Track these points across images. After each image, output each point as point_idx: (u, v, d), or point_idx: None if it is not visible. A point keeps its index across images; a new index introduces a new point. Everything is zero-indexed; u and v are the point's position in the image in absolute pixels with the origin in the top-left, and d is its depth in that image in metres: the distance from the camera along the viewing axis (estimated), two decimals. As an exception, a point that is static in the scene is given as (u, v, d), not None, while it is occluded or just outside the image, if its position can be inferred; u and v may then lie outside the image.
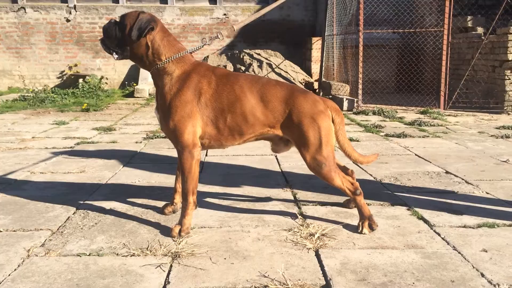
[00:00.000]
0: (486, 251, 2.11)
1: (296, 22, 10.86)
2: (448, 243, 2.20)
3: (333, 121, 2.39)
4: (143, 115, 7.00)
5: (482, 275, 1.88)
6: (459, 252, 2.10)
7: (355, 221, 2.47)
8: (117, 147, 4.59)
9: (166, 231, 2.38)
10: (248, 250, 2.14)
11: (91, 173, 3.56)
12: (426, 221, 2.49)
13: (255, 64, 9.38)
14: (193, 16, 10.73)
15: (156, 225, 2.47)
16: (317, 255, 2.07)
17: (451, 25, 6.91)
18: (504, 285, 1.79)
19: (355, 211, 2.61)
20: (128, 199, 2.91)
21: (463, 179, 3.36)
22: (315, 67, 9.69)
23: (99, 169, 3.69)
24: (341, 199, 2.86)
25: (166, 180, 3.37)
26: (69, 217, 2.60)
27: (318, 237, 2.27)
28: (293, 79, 9.22)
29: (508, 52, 6.87)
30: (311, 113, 2.33)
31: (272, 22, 10.78)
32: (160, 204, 2.80)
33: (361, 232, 2.32)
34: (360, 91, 7.17)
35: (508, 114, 6.95)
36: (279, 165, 3.82)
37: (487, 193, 3.03)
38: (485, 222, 2.47)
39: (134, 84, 10.24)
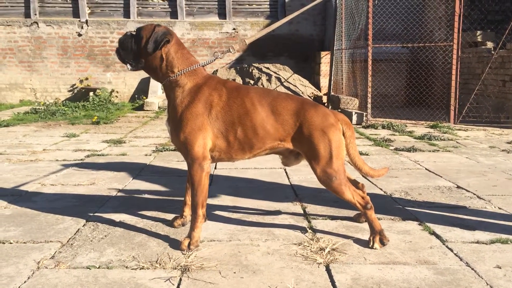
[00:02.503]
0: (500, 268, 2.07)
1: (304, 36, 10.92)
2: (461, 259, 2.17)
3: (343, 134, 2.39)
4: (153, 128, 7.03)
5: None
6: (473, 269, 2.06)
7: (365, 236, 2.45)
8: (127, 160, 4.61)
9: (175, 244, 2.37)
10: (258, 264, 2.12)
11: (101, 185, 3.57)
12: (438, 237, 2.46)
13: (264, 78, 9.43)
14: (203, 31, 10.83)
15: (165, 238, 2.47)
16: (328, 270, 2.05)
17: (460, 40, 6.91)
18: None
19: (365, 225, 2.59)
20: (137, 212, 2.91)
21: (474, 194, 3.32)
22: (323, 81, 9.71)
23: (109, 181, 3.70)
24: (351, 213, 2.84)
25: (175, 192, 3.37)
26: (79, 229, 2.60)
27: (329, 251, 2.25)
28: (302, 92, 9.24)
29: (519, 66, 6.84)
30: (322, 126, 2.32)
31: (281, 37, 10.84)
32: (169, 216, 2.80)
33: (372, 247, 2.29)
34: (369, 105, 7.16)
35: (519, 128, 6.88)
36: (288, 178, 3.81)
37: (500, 208, 2.99)
38: (499, 238, 2.43)
39: (144, 98, 10.32)
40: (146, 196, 3.30)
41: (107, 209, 2.98)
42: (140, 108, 9.69)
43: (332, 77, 8.75)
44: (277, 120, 2.35)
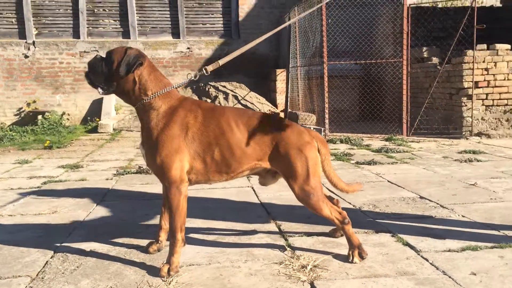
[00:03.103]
0: (475, 274, 2.16)
1: (260, 55, 11.05)
2: (437, 268, 2.24)
3: (319, 151, 2.42)
4: (110, 150, 6.84)
5: (475, 298, 1.91)
6: (450, 277, 2.14)
7: (343, 251, 2.48)
8: (88, 185, 4.45)
9: (153, 271, 2.31)
10: (242, 287, 2.10)
11: (64, 213, 3.42)
12: (412, 247, 2.53)
13: (221, 96, 9.44)
14: (157, 50, 10.74)
15: (142, 266, 2.39)
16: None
17: (409, 56, 7.23)
18: (499, 307, 1.84)
19: (342, 240, 2.63)
20: (108, 239, 2.81)
21: (438, 204, 3.45)
22: (280, 98, 9.84)
23: (72, 208, 3.56)
24: (326, 228, 2.87)
25: (145, 217, 3.28)
26: (47, 261, 2.47)
27: (311, 268, 2.26)
28: (259, 110, 9.32)
29: (463, 80, 7.23)
30: (298, 144, 2.36)
31: (237, 55, 10.91)
32: (142, 242, 2.72)
33: (352, 262, 2.33)
34: (327, 121, 7.32)
35: (467, 138, 7.25)
36: (257, 196, 3.81)
37: (463, 216, 3.12)
38: (468, 245, 2.53)
39: (97, 119, 10.04)
40: (115, 222, 3.20)
41: (75, 238, 2.85)
42: (94, 130, 9.42)
43: (289, 94, 8.89)
44: (253, 139, 2.35)
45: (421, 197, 3.66)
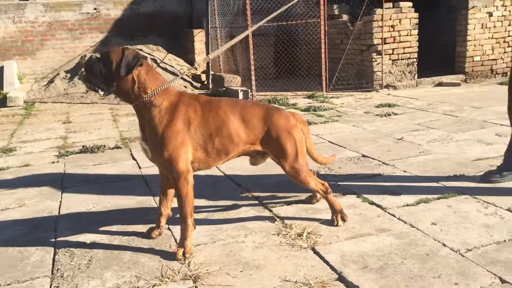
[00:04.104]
0: (435, 224, 2.68)
1: (171, 13, 10.84)
2: (405, 222, 2.73)
3: (302, 132, 2.74)
4: (34, 128, 6.52)
5: (444, 245, 2.42)
6: (418, 229, 2.63)
7: (325, 216, 2.88)
8: (36, 171, 4.35)
9: (166, 255, 2.51)
10: (256, 260, 2.41)
11: (35, 206, 3.41)
12: (378, 205, 3.01)
13: (138, 61, 9.21)
14: (60, 12, 10.04)
15: (152, 251, 2.58)
16: (316, 253, 2.43)
17: (326, 15, 7.68)
18: (462, 250, 2.36)
19: (318, 205, 3.04)
20: (100, 229, 2.92)
21: (380, 161, 3.99)
22: (199, 59, 9.84)
23: (39, 199, 3.53)
24: (298, 195, 3.24)
25: (122, 201, 3.39)
26: (54, 259, 2.55)
27: (306, 236, 2.62)
28: (180, 72, 9.30)
29: (373, 37, 7.89)
30: (287, 127, 2.65)
31: (147, 15, 10.61)
32: (137, 228, 2.88)
33: (336, 225, 2.73)
34: (253, 82, 7.62)
35: (377, 91, 8.03)
36: (219, 169, 4.06)
37: (405, 171, 3.69)
38: (420, 199, 3.06)
39: (2, 91, 9.30)
40: (93, 209, 3.28)
41: (65, 231, 2.92)
42: (2, 104, 8.75)
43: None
44: (247, 126, 2.60)
45: (363, 156, 4.18)
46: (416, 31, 8.14)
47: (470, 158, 3.90)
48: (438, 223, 2.69)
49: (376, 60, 8.01)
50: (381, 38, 7.91)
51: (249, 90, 7.70)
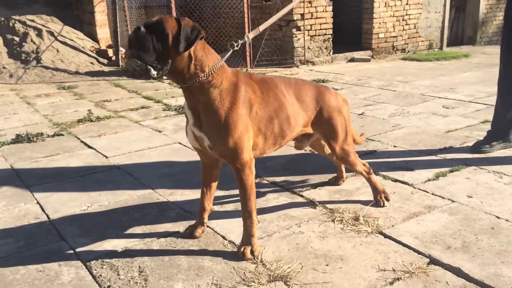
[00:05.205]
0: (471, 197, 2.75)
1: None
2: (443, 198, 2.75)
3: (345, 111, 2.59)
4: None
5: (497, 217, 2.49)
6: (460, 203, 2.66)
7: (361, 197, 2.79)
8: (-33, 167, 3.51)
9: (228, 255, 2.20)
10: (332, 250, 2.22)
11: (7, 212, 2.74)
12: (403, 182, 3.00)
13: (32, 33, 8.03)
14: None
15: (209, 253, 2.23)
16: (388, 237, 2.32)
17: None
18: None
19: (345, 186, 2.94)
20: (121, 233, 2.45)
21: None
22: (102, 32, 8.91)
23: (7, 203, 2.87)
24: (311, 177, 3.09)
25: (118, 198, 2.89)
26: (93, 275, 2.06)
27: (363, 220, 2.50)
28: (82, 47, 8.33)
29: (293, 13, 7.90)
30: (338, 107, 2.48)
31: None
32: (166, 227, 2.49)
33: (383, 206, 2.65)
34: (178, 58, 7.09)
35: (298, 66, 8.13)
36: (202, 153, 3.71)
37: (395, 146, 3.75)
38: (436, 173, 3.12)
39: None
40: (90, 210, 2.74)
41: (78, 239, 2.39)
42: None
43: (118, 28, 8.13)
44: (302, 107, 2.37)
45: (341, 132, 4.15)
46: (331, 8, 8.36)
47: (441, 130, 4.11)
48: (473, 195, 2.77)
49: (296, 36, 8.06)
50: (301, 14, 7.96)
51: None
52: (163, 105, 5.44)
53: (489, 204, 2.65)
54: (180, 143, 3.97)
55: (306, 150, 3.60)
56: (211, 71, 2.04)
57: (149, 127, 4.53)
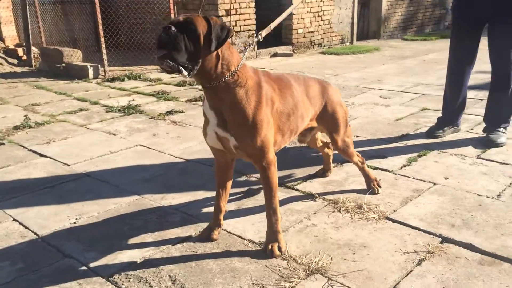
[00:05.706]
0: (448, 178, 3.00)
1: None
2: (425, 181, 2.96)
3: (339, 103, 2.68)
4: None
5: (478, 195, 2.74)
6: (442, 185, 2.89)
7: (353, 186, 2.90)
8: None
9: (255, 254, 2.18)
10: (353, 239, 2.28)
11: (-23, 234, 2.42)
12: (383, 169, 3.17)
13: None
14: None
15: (235, 254, 2.18)
16: (397, 222, 2.44)
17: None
18: (494, 196, 2.72)
19: (334, 177, 3.04)
20: (131, 243, 2.30)
21: (322, 129, 4.14)
22: (7, 30, 8.09)
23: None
24: (295, 171, 3.15)
25: (108, 207, 2.69)
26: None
27: (366, 208, 2.60)
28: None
29: (218, 9, 7.87)
30: (339, 101, 2.57)
31: None
32: (178, 233, 2.38)
33: (377, 193, 2.78)
34: (105, 56, 6.71)
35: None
36: (172, 155, 3.58)
37: (357, 136, 3.93)
38: (407, 158, 3.34)
39: None
40: (81, 223, 2.52)
41: (86, 254, 2.20)
42: None
43: (30, 25, 7.44)
44: (311, 102, 2.42)
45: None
46: (253, 4, 8.46)
47: (391, 119, 4.40)
48: (449, 177, 3.01)
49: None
50: (226, 10, 7.96)
51: (99, 66, 6.78)
52: (103, 107, 5.12)
53: (465, 183, 2.91)
54: (142, 145, 3.78)
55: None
56: (236, 70, 1.99)
57: (99, 130, 4.24)
